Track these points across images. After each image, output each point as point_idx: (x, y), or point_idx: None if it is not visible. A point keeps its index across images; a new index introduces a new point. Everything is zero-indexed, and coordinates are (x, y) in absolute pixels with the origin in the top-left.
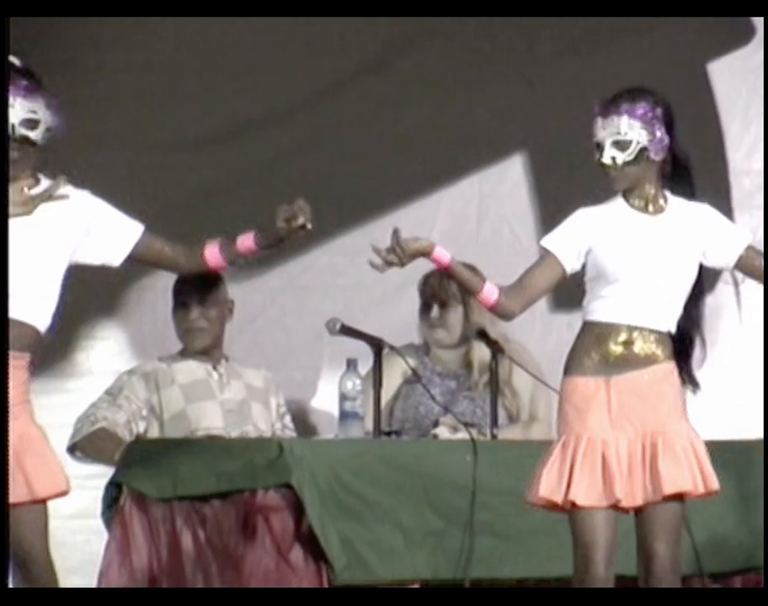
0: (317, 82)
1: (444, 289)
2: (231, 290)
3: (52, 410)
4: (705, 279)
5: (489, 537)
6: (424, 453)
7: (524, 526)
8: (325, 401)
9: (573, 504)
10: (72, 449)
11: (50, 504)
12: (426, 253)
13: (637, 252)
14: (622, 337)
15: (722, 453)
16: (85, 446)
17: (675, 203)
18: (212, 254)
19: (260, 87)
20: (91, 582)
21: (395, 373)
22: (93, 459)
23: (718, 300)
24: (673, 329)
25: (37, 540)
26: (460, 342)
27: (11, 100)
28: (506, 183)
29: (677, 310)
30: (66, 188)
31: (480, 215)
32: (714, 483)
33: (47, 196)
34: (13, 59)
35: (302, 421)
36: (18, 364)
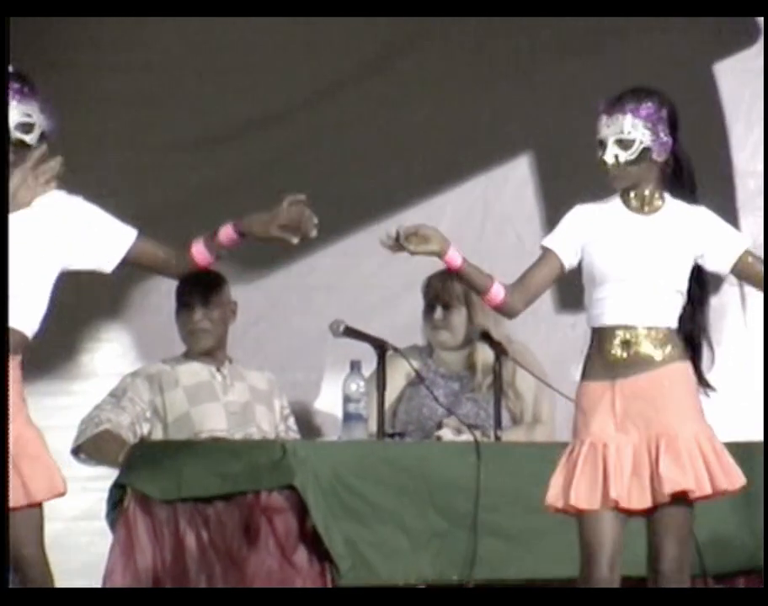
0: (319, 81)
1: (447, 290)
2: (234, 291)
3: (57, 411)
4: (709, 283)
5: (494, 538)
6: (427, 455)
7: (528, 527)
8: (329, 402)
9: (577, 508)
10: (77, 451)
11: (55, 506)
12: (438, 255)
13: (624, 252)
14: (620, 338)
15: None
16: (89, 448)
17: (673, 204)
18: (198, 252)
19: (260, 87)
20: (95, 583)
21: (398, 375)
22: (97, 461)
23: (723, 301)
24: (674, 325)
25: (32, 543)
26: (463, 343)
27: None
28: (509, 184)
29: (675, 307)
30: (59, 194)
31: (484, 216)
32: (724, 483)
33: (50, 176)
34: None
35: (306, 422)
36: (14, 364)
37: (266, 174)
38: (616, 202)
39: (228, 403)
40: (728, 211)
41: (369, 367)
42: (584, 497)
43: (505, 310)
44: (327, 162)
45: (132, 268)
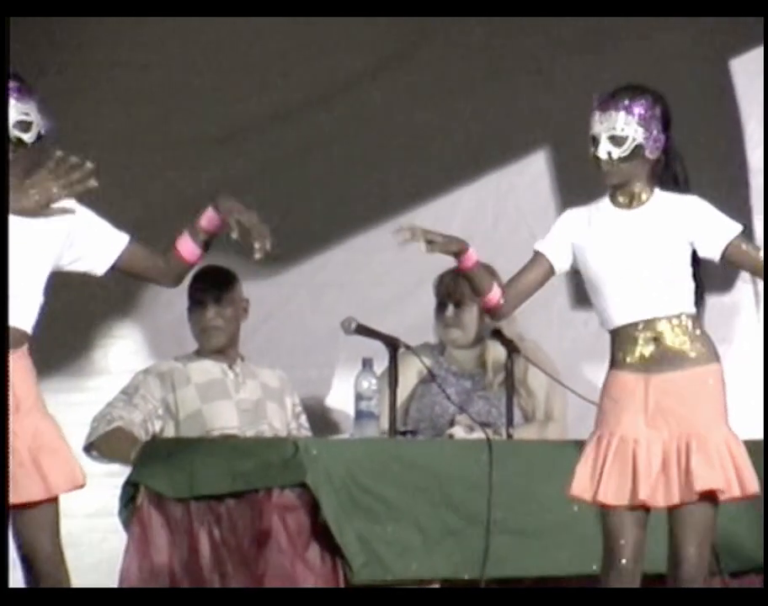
0: (334, 78)
1: (459, 288)
2: (246, 289)
3: (70, 408)
4: (708, 277)
5: (506, 536)
6: (439, 453)
7: (540, 525)
8: (340, 400)
9: (605, 504)
10: (89, 449)
11: (67, 503)
12: (456, 255)
13: (614, 250)
14: (642, 336)
15: None
16: (101, 445)
17: (661, 195)
18: (184, 246)
19: (279, 84)
20: (108, 579)
21: (410, 372)
22: (110, 458)
23: (735, 299)
24: (691, 309)
25: (48, 539)
26: (475, 341)
27: None
28: (523, 180)
29: (682, 292)
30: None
31: (497, 211)
32: (753, 486)
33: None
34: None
35: (317, 420)
36: (18, 356)
37: (284, 171)
38: (604, 202)
39: (240, 401)
40: (742, 209)
41: (381, 365)
42: (612, 493)
43: (497, 313)
44: (343, 159)
45: (120, 275)
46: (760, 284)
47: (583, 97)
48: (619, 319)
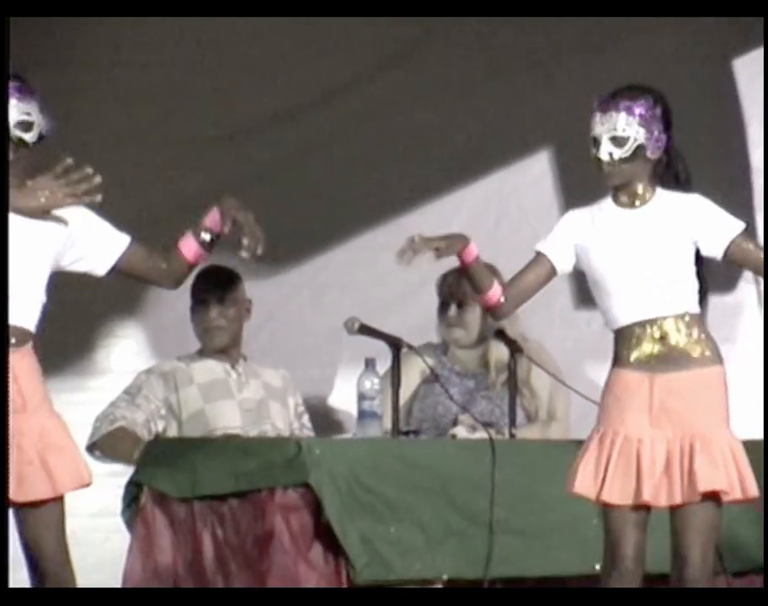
0: (334, 78)
1: (462, 288)
2: (248, 289)
3: (72, 408)
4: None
5: (509, 536)
6: (442, 452)
7: (543, 524)
8: (343, 400)
9: (608, 503)
10: (91, 448)
11: (70, 502)
12: (459, 252)
13: (617, 250)
14: (648, 335)
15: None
16: (104, 445)
17: (664, 194)
18: (186, 246)
19: (280, 84)
20: (111, 579)
21: (413, 372)
22: (112, 458)
23: (738, 299)
24: (694, 309)
25: (53, 538)
26: (478, 341)
27: None
28: (525, 181)
29: (686, 290)
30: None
31: (500, 211)
32: (754, 489)
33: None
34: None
35: (320, 420)
36: (21, 354)
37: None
38: (607, 202)
39: (243, 400)
40: (744, 209)
41: (383, 364)
42: (616, 493)
43: (498, 312)
44: (344, 159)
45: (121, 276)
46: (763, 284)
47: (583, 97)
48: (624, 318)
